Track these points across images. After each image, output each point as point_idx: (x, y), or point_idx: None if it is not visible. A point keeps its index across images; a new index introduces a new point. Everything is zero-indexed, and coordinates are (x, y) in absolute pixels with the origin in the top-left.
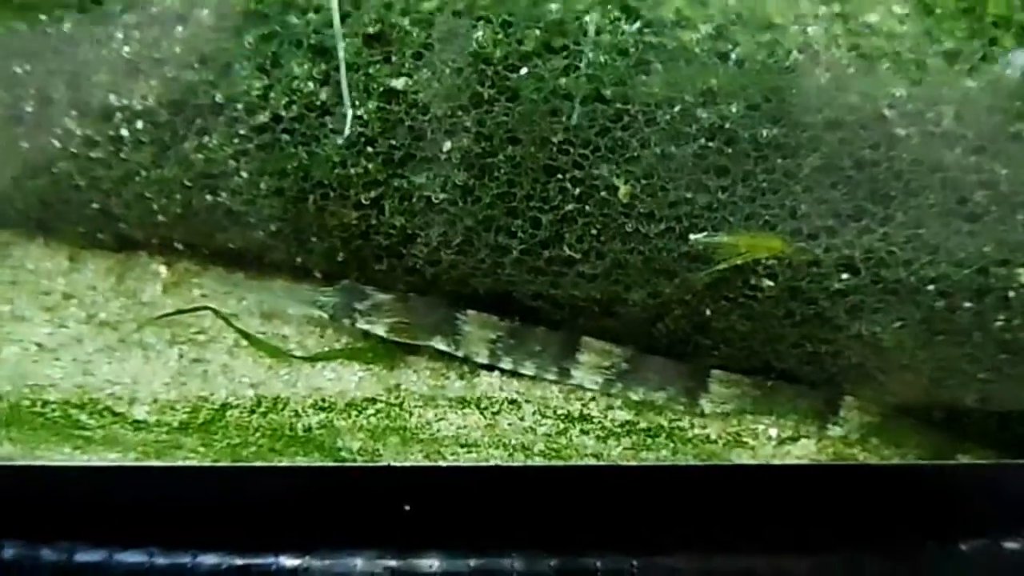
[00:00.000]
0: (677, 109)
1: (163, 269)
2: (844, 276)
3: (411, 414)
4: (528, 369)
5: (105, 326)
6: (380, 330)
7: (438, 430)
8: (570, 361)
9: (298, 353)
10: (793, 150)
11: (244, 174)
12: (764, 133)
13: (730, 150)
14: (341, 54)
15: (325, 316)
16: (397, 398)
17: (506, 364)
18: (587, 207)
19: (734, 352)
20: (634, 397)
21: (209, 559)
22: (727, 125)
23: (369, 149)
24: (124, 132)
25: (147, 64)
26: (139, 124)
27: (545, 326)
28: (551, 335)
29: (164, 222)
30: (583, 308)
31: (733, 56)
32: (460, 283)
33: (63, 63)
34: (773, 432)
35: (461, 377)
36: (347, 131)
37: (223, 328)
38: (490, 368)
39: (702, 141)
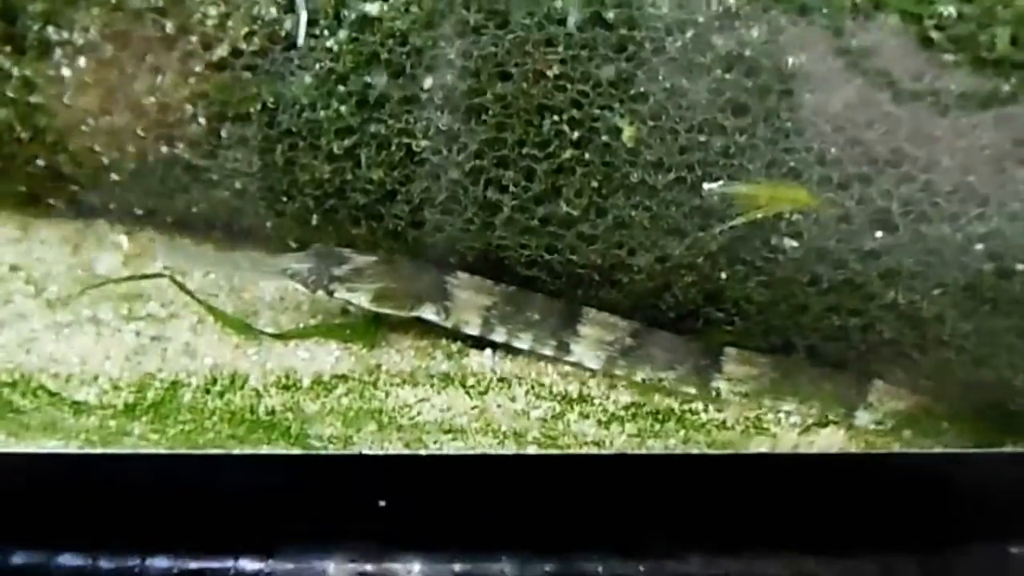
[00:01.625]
0: (689, 35)
1: (123, 239)
2: (878, 234)
3: (387, 395)
4: (523, 342)
5: (55, 301)
6: (362, 299)
7: (418, 413)
8: (570, 334)
9: (270, 330)
10: (823, 82)
11: (202, 120)
12: (790, 62)
13: (750, 83)
14: None
15: (298, 287)
16: (372, 377)
17: (499, 335)
18: (587, 154)
19: (750, 326)
20: (639, 377)
21: (160, 562)
22: (747, 53)
23: (341, 88)
24: (65, 71)
25: None
26: (81, 62)
27: None
28: (550, 303)
29: (118, 181)
30: (582, 276)
31: None
32: (446, 247)
33: None
34: (797, 419)
35: (449, 357)
36: (300, 39)
37: (187, 304)
38: (480, 346)
39: (718, 73)
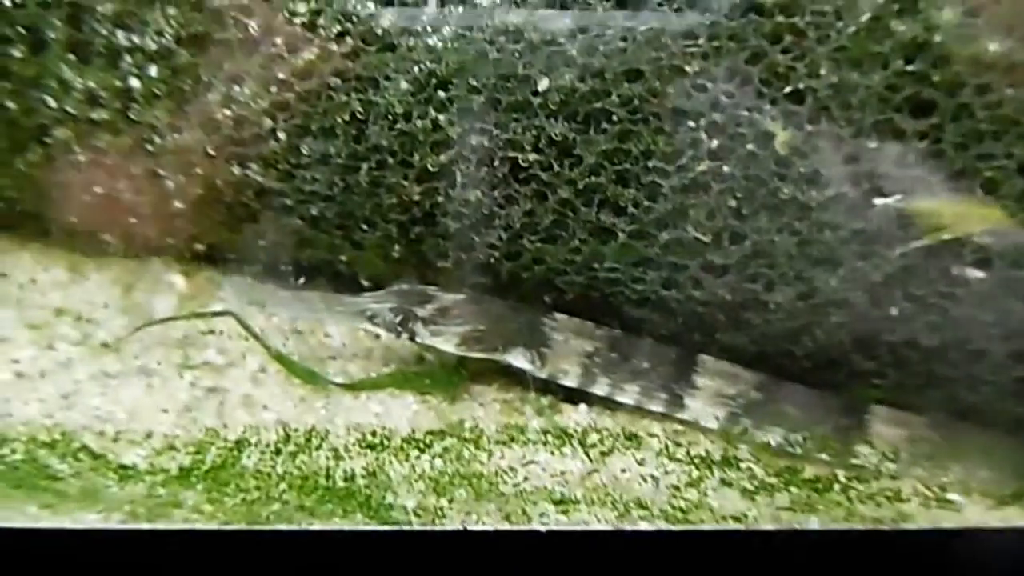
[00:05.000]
0: (864, 19)
1: (179, 280)
2: None
3: (490, 455)
4: (628, 395)
5: (102, 348)
6: (448, 343)
7: (525, 478)
8: (684, 385)
9: (339, 380)
10: None
11: (282, 135)
12: (990, 47)
13: (938, 75)
14: None
15: (378, 330)
16: (473, 432)
17: (601, 387)
18: (726, 167)
19: (906, 380)
20: (765, 439)
21: None
22: (935, 38)
23: (440, 94)
24: (133, 81)
25: None
26: (152, 70)
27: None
28: (662, 350)
29: (180, 211)
30: (702, 317)
31: None
32: (543, 284)
33: None
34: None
35: (539, 413)
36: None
37: (247, 350)
38: (574, 400)
39: (897, 64)
